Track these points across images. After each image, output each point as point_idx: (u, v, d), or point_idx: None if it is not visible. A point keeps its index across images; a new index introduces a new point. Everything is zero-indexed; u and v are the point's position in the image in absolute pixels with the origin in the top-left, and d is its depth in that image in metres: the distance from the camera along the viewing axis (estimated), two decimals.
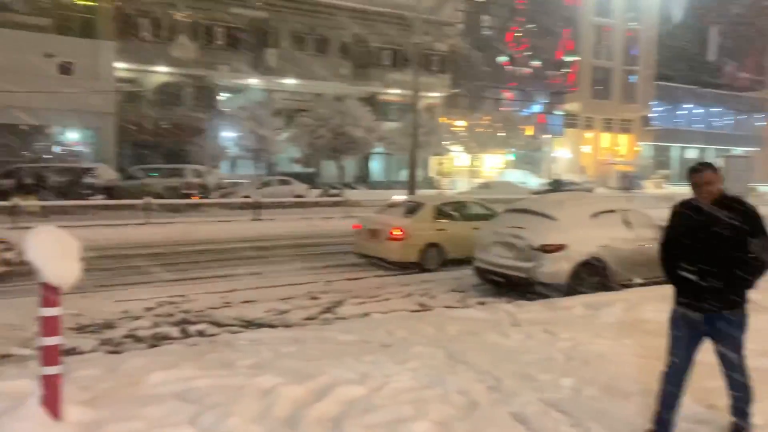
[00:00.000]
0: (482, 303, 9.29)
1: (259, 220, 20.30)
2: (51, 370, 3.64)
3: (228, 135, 34.81)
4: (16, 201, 16.98)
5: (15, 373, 5.58)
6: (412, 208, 12.96)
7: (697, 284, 3.76)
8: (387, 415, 4.04)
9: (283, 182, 28.80)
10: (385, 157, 41.26)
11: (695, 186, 3.82)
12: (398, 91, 40.23)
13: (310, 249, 15.43)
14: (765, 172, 49.27)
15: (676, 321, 3.94)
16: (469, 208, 13.42)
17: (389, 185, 38.73)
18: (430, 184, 38.32)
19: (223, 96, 37.18)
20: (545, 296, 8.89)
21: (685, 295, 3.86)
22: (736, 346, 3.83)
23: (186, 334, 7.57)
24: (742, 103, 63.30)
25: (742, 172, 33.93)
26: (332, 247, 15.66)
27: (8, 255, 10.22)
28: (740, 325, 3.81)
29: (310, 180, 32.60)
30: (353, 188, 34.32)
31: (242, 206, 21.95)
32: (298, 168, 36.11)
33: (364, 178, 41.15)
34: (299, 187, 28.48)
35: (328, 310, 8.96)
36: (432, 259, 12.18)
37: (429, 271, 12.00)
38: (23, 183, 21.35)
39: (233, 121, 33.56)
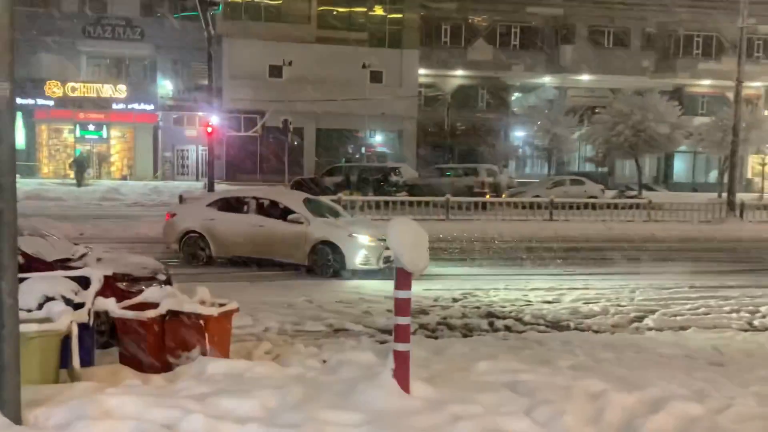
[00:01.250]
0: None
1: (554, 220, 20.04)
2: (402, 347, 4.05)
3: (519, 134, 35.04)
4: (340, 195, 19.39)
5: (354, 345, 6.38)
6: None
7: None
8: None
9: (576, 182, 27.93)
10: (691, 155, 37.44)
11: None
12: (709, 81, 36.15)
13: (611, 253, 14.71)
14: None
15: None
16: None
17: (694, 187, 35.08)
18: (747, 186, 33.68)
19: (515, 96, 37.57)
20: None
21: None
22: None
23: (494, 328, 7.80)
24: None
25: None
26: (634, 253, 14.74)
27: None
28: None
29: (602, 180, 31.11)
30: (652, 189, 31.82)
31: (533, 206, 21.87)
32: (589, 167, 34.74)
33: (663, 179, 37.92)
34: (593, 188, 27.33)
35: (637, 318, 8.43)
36: None
37: None
38: (345, 180, 24.34)
39: (525, 121, 33.66)
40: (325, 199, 14.31)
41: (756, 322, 8.27)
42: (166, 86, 33.93)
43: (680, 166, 39.02)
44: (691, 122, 31.47)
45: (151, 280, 6.40)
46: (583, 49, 36.37)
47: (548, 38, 36.97)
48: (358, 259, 10.74)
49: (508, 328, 7.76)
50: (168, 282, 6.62)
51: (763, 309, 8.97)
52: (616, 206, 22.38)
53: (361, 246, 10.78)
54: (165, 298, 5.12)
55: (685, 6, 35.65)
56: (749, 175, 36.66)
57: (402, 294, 4.06)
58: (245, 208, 11.77)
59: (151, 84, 33.57)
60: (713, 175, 35.51)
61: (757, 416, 4.16)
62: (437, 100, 36.97)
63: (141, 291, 5.66)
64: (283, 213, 11.31)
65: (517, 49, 36.75)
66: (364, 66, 33.58)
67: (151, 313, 4.97)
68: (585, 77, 36.37)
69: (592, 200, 23.31)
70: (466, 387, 4.26)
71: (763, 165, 33.12)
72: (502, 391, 4.21)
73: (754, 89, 36.34)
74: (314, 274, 10.78)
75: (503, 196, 25.07)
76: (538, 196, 23.59)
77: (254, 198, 11.90)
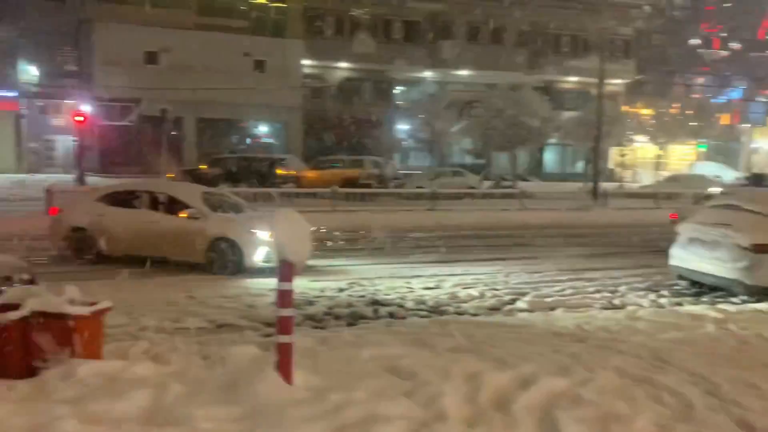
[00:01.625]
0: (679, 304, 8.71)
1: (435, 210, 20.69)
2: (285, 339, 4.05)
3: (403, 127, 35.76)
4: (223, 188, 18.91)
5: (237, 340, 6.28)
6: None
7: None
8: (599, 410, 3.96)
9: (456, 173, 29.04)
10: (560, 148, 39.94)
11: None
12: (576, 78, 38.67)
13: (488, 240, 15.43)
14: None
15: None
16: None
17: (564, 177, 37.46)
18: (610, 176, 36.48)
19: (399, 89, 38.28)
20: (755, 300, 8.11)
21: None
22: None
23: (378, 315, 7.97)
24: None
25: None
26: (509, 240, 15.54)
27: None
28: None
29: (481, 171, 32.52)
30: (526, 180, 33.65)
31: (416, 197, 22.50)
32: (469, 159, 36.15)
33: (537, 170, 40.20)
34: (471, 179, 28.54)
35: (511, 301, 8.92)
36: None
37: None
38: (228, 171, 23.70)
39: (408, 114, 34.41)
40: (229, 193, 13.75)
41: (616, 301, 9.01)
42: (29, 71, 31.37)
43: (551, 158, 41.54)
44: (560, 116, 33.58)
45: (11, 280, 5.95)
46: (461, 45, 37.67)
47: (429, 33, 37.93)
48: (258, 256, 10.18)
49: (392, 315, 7.95)
50: (32, 281, 6.19)
51: (621, 288, 9.80)
52: (492, 196, 23.53)
53: (261, 242, 10.15)
54: (29, 298, 4.78)
55: (554, 7, 37.88)
56: (611, 166, 39.67)
57: (285, 286, 4.06)
58: (137, 202, 11.06)
59: (13, 69, 30.90)
60: (580, 166, 38.10)
61: (615, 387, 4.55)
62: (323, 91, 36.90)
63: (1, 292, 5.24)
64: (178, 208, 10.65)
65: (399, 43, 37.43)
66: (246, 55, 32.82)
67: (13, 315, 4.63)
68: (464, 72, 37.69)
69: (470, 190, 24.36)
70: (351, 375, 4.34)
71: (623, 156, 36.00)
72: (385, 376, 4.33)
73: (615, 86, 39.31)
74: (211, 273, 10.18)
75: (388, 187, 25.56)
76: (421, 187, 24.29)
77: (147, 192, 11.21)
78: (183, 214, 10.58)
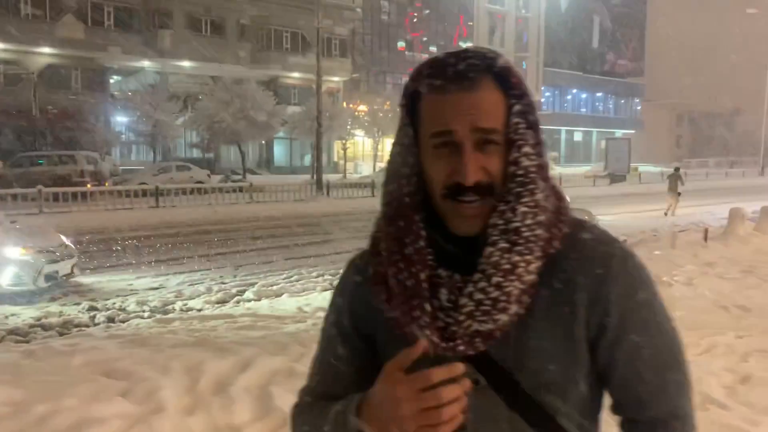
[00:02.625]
0: None
1: (160, 207, 19.86)
2: None
3: (121, 120, 33.41)
4: None
5: None
6: None
7: None
8: None
9: (182, 168, 28.09)
10: (288, 141, 41.08)
11: None
12: (299, 74, 40.05)
13: (216, 235, 15.37)
14: (642, 152, 53.56)
15: None
16: None
17: (293, 170, 38.68)
18: (334, 168, 38.68)
19: (114, 79, 35.60)
20: None
21: None
22: None
23: (96, 321, 7.54)
24: (622, 88, 68.10)
25: (622, 153, 37.20)
26: (238, 233, 15.69)
27: None
28: None
29: (209, 165, 31.97)
30: (256, 174, 34.00)
31: (140, 193, 21.32)
32: (196, 153, 35.24)
33: (266, 163, 40.81)
34: (199, 173, 27.88)
35: (239, 293, 9.13)
36: None
37: None
38: None
39: (126, 105, 32.24)
40: None
41: (335, 282, 9.79)
42: None
43: (280, 151, 42.53)
44: (285, 111, 34.51)
45: None
46: (181, 36, 36.37)
47: (145, 21, 35.90)
48: (3, 279, 8.57)
49: (111, 320, 7.60)
50: None
51: (341, 271, 10.65)
52: (221, 190, 23.35)
53: (5, 261, 8.61)
54: None
55: (274, 3, 38.70)
56: (336, 158, 42.08)
57: None
58: None
59: None
60: (308, 159, 39.74)
61: None
62: (21, 79, 32.59)
63: None
64: None
65: (112, 30, 34.72)
66: None
67: None
68: (186, 63, 36.53)
69: (198, 185, 23.84)
70: (60, 383, 4.11)
71: (345, 149, 38.45)
72: (99, 379, 4.20)
73: (334, 83, 41.70)
74: None
75: (106, 184, 23.73)
76: (144, 183, 23.06)
77: None
78: None
